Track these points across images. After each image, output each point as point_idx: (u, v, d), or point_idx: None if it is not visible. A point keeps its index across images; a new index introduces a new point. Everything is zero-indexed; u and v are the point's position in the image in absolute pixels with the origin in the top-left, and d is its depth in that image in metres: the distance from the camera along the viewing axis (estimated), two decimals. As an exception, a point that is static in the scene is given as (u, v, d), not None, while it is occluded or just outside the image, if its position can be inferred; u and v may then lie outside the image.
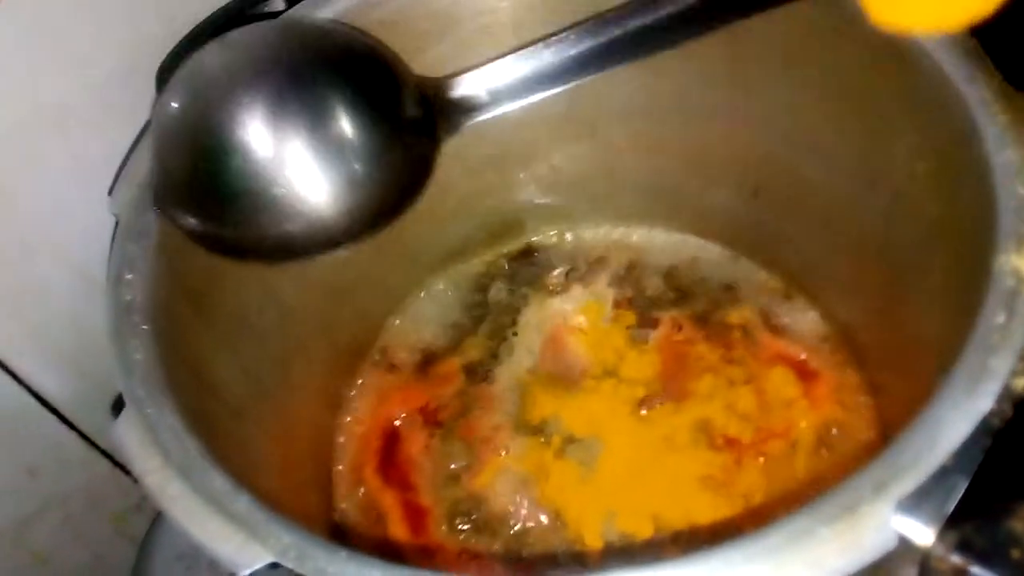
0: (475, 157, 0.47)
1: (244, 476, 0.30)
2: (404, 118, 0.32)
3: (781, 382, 0.44)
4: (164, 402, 0.27)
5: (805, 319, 0.46)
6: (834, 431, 0.41)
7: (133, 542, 0.53)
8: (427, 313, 0.49)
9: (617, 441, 0.43)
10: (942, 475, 0.23)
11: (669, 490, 0.41)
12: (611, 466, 0.42)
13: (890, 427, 0.40)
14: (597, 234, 0.51)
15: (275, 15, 0.37)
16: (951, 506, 0.23)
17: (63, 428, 0.47)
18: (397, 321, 0.48)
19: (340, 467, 0.44)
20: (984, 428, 0.24)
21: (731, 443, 0.42)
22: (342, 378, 0.46)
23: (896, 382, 0.39)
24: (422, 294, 0.50)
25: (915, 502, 0.23)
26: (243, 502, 0.24)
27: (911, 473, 0.22)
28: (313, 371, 0.43)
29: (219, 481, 0.25)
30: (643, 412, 0.44)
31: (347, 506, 0.43)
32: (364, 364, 0.47)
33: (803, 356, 0.45)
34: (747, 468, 0.42)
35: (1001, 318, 0.24)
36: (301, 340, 0.42)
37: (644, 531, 0.40)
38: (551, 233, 0.51)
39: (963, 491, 0.23)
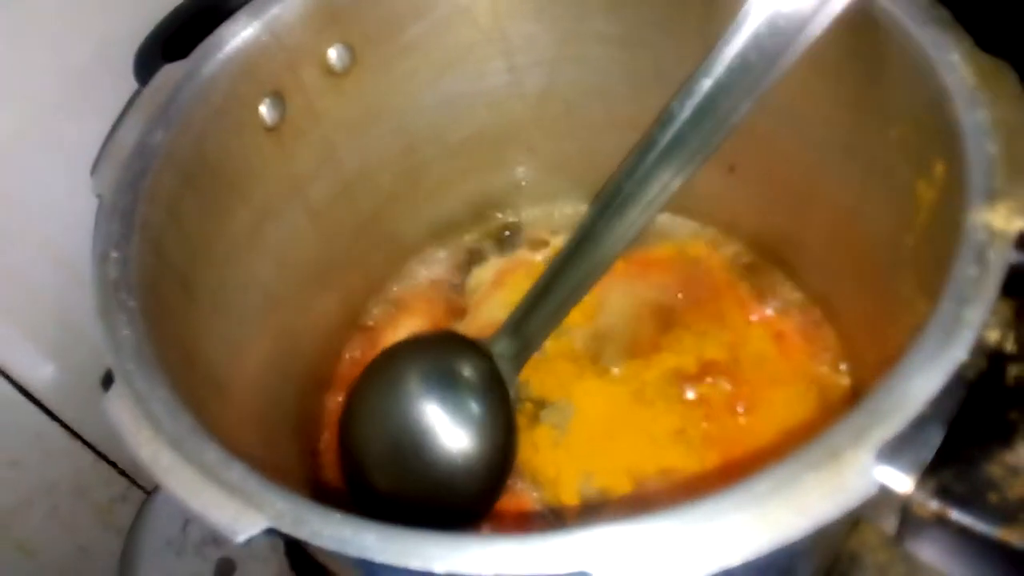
0: (453, 138, 0.48)
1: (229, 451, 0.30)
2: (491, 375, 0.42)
3: (755, 339, 0.44)
4: (154, 376, 0.27)
5: (782, 288, 0.47)
6: (808, 392, 0.42)
7: (119, 532, 0.53)
8: (409, 293, 0.49)
9: (588, 402, 0.44)
10: (920, 424, 0.24)
11: (643, 446, 0.42)
12: (584, 427, 0.43)
13: (865, 390, 0.41)
14: (578, 211, 0.51)
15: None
16: (929, 454, 0.23)
17: (46, 419, 0.47)
18: (378, 303, 0.48)
19: (324, 443, 0.44)
20: (959, 379, 0.24)
21: (703, 399, 0.43)
22: (326, 357, 0.46)
23: (871, 346, 0.40)
24: (404, 275, 0.50)
25: (894, 450, 0.23)
26: (237, 471, 0.25)
27: (889, 420, 0.23)
28: (297, 351, 0.43)
29: (212, 452, 0.25)
30: (614, 371, 0.44)
31: (332, 479, 0.43)
32: (348, 343, 0.47)
33: (777, 319, 0.45)
34: (720, 421, 0.42)
35: (974, 271, 0.25)
36: (284, 320, 0.42)
37: (622, 487, 0.41)
38: (532, 211, 0.52)
39: (940, 440, 0.24)
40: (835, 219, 0.42)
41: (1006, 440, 0.24)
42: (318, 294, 0.44)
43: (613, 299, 0.46)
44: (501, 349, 0.43)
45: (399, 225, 0.49)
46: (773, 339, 0.45)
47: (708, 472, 0.41)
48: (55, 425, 0.48)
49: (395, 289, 0.49)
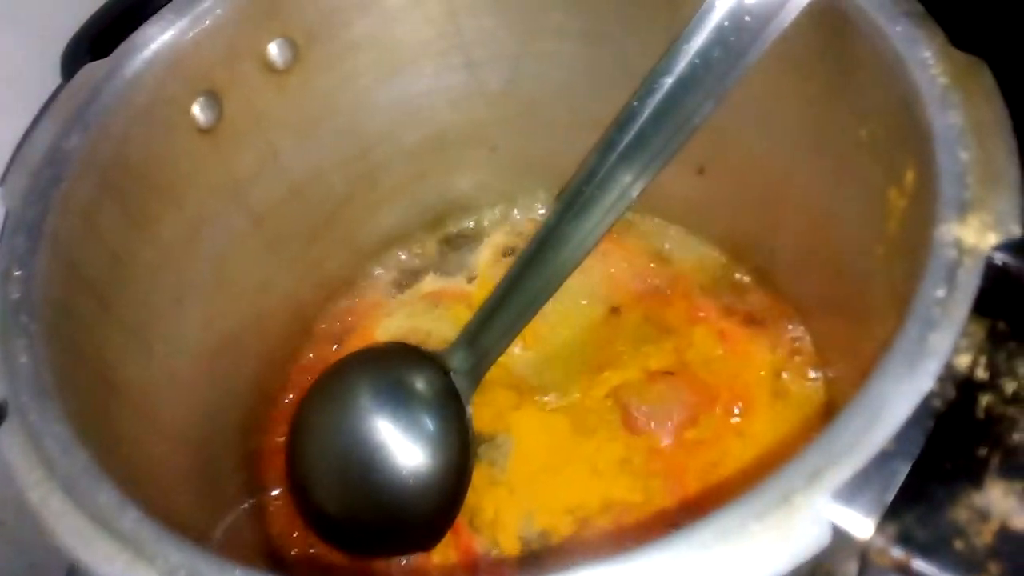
0: (411, 139, 0.45)
1: (147, 480, 0.28)
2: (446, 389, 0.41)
3: (705, 346, 0.42)
4: (51, 408, 0.25)
5: (755, 295, 0.44)
6: (777, 408, 0.40)
7: (67, 549, 0.50)
8: (365, 301, 0.47)
9: (528, 434, 0.41)
10: (881, 461, 0.22)
11: (586, 479, 0.39)
12: (524, 462, 0.41)
13: (837, 407, 0.39)
14: (542, 212, 0.49)
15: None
16: (891, 495, 0.21)
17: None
18: (332, 311, 0.46)
19: (271, 465, 0.42)
20: (926, 410, 0.22)
21: (645, 420, 0.41)
22: (274, 371, 0.44)
23: (845, 358, 0.38)
24: (360, 281, 0.47)
25: (853, 491, 0.21)
26: (130, 518, 0.22)
27: (848, 459, 0.21)
28: (240, 365, 0.41)
29: (106, 495, 0.23)
30: (553, 398, 0.42)
31: (277, 503, 0.41)
32: (298, 354, 0.45)
33: (739, 327, 0.43)
34: (669, 446, 0.40)
35: (941, 292, 0.23)
36: (225, 333, 0.40)
37: (564, 527, 0.38)
38: (493, 212, 0.49)
39: (904, 478, 0.22)
40: (807, 223, 0.40)
41: (975, 480, 0.22)
42: (264, 303, 0.42)
43: (557, 315, 0.43)
44: (457, 362, 0.41)
45: (355, 229, 0.46)
46: (727, 346, 0.42)
47: (654, 504, 0.38)
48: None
49: (351, 296, 0.47)
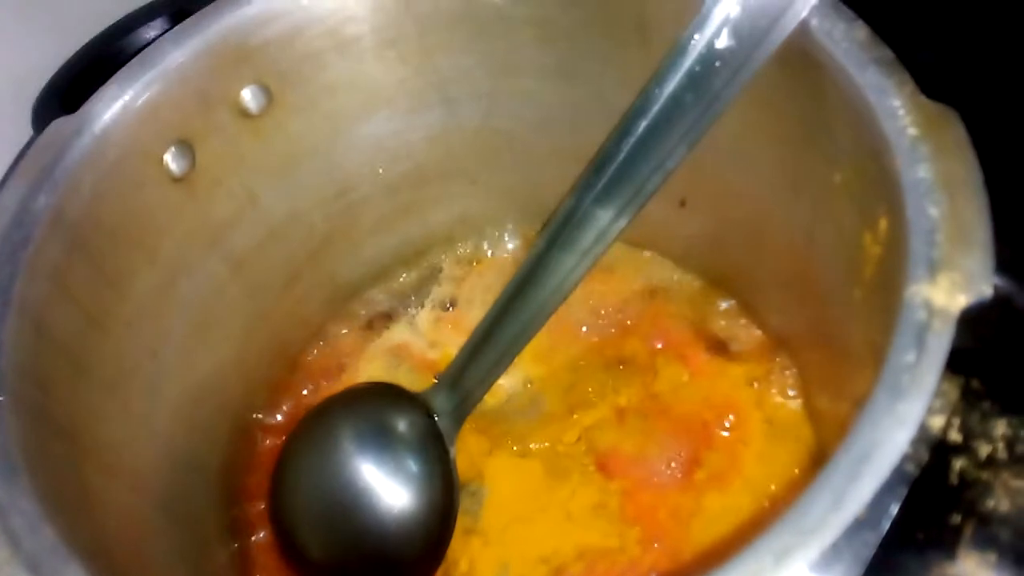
0: (390, 176, 0.45)
1: (121, 547, 0.28)
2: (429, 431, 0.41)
3: (679, 381, 0.42)
4: (18, 482, 0.25)
5: (746, 333, 0.44)
6: (759, 449, 0.39)
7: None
8: (347, 339, 0.47)
9: (501, 481, 0.41)
10: (853, 531, 0.21)
11: (560, 526, 0.39)
12: (498, 510, 0.40)
13: (826, 447, 0.39)
14: (524, 243, 0.49)
15: (150, 43, 0.34)
16: (863, 565, 0.21)
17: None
18: (308, 357, 0.46)
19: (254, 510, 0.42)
20: (898, 477, 0.22)
21: (619, 462, 0.41)
22: (255, 412, 0.43)
23: (830, 399, 0.38)
24: (342, 320, 0.47)
25: (826, 563, 0.21)
26: (96, 599, 0.22)
27: (817, 536, 0.21)
28: (222, 410, 0.40)
29: (72, 574, 0.23)
30: (527, 443, 0.42)
31: (260, 549, 0.41)
32: (279, 397, 0.45)
33: (718, 360, 0.43)
34: (643, 488, 0.40)
35: (911, 356, 0.23)
36: (207, 380, 0.39)
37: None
38: (475, 245, 0.49)
39: (876, 547, 0.21)
40: (787, 259, 0.39)
41: (948, 550, 0.22)
42: (244, 348, 0.42)
43: (528, 354, 0.42)
44: (439, 403, 0.41)
45: (336, 268, 0.46)
46: (703, 379, 0.42)
47: (629, 551, 0.38)
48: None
49: (332, 335, 0.47)
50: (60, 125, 0.33)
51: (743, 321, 0.45)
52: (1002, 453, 0.23)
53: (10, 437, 0.26)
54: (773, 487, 0.38)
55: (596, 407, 0.42)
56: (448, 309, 0.48)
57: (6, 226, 0.30)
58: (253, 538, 0.41)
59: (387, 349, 0.47)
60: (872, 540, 0.21)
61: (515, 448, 0.42)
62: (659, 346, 0.44)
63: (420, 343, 0.47)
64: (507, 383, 0.44)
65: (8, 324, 0.28)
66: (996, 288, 0.25)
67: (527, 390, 0.44)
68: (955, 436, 0.23)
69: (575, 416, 0.42)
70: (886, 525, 0.22)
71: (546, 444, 0.42)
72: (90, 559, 0.24)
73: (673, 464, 0.40)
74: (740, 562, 0.20)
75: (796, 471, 0.38)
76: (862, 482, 0.21)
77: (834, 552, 0.21)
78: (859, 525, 0.22)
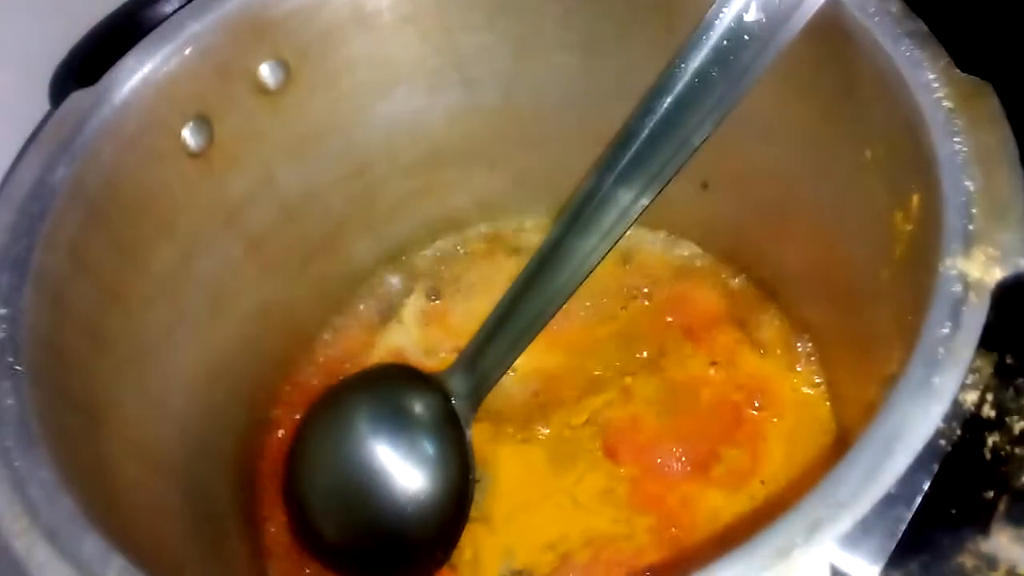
0: (408, 156, 0.45)
1: (137, 522, 0.27)
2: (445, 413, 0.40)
3: (698, 368, 0.42)
4: (37, 453, 0.25)
5: (768, 317, 0.43)
6: (786, 431, 0.39)
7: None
8: (362, 320, 0.46)
9: (507, 468, 0.40)
10: (886, 506, 0.21)
11: (567, 513, 0.39)
12: (504, 497, 0.40)
13: (848, 433, 0.38)
14: (542, 226, 0.48)
15: (165, 18, 0.34)
16: (895, 541, 0.21)
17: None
18: (322, 338, 0.45)
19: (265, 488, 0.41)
20: (931, 452, 0.22)
21: (631, 446, 0.40)
22: (270, 393, 0.43)
23: (854, 383, 0.37)
24: (357, 302, 0.47)
25: (857, 537, 0.21)
26: (115, 567, 0.22)
27: (848, 510, 0.20)
28: (237, 390, 0.40)
29: (91, 544, 0.23)
30: (534, 429, 0.41)
31: (274, 529, 0.40)
32: (294, 378, 0.44)
33: (737, 345, 0.42)
34: (652, 475, 0.39)
35: (946, 329, 0.22)
36: (223, 359, 0.39)
37: (545, 565, 0.38)
38: (493, 227, 0.49)
39: (908, 524, 0.21)
40: (813, 241, 0.39)
41: (981, 525, 0.21)
42: (260, 327, 0.41)
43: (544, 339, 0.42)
44: (456, 385, 0.40)
45: (352, 249, 0.46)
46: (725, 363, 0.42)
47: (638, 537, 0.38)
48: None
49: (348, 316, 0.46)
50: (79, 98, 0.33)
51: (766, 305, 0.44)
52: (1037, 429, 0.22)
53: (29, 408, 0.26)
54: (796, 472, 0.37)
55: (606, 390, 0.42)
56: (465, 292, 0.47)
57: (24, 197, 0.30)
58: (266, 518, 0.41)
59: (402, 331, 0.46)
60: (904, 516, 0.21)
61: (520, 435, 0.41)
62: (679, 330, 0.44)
63: (437, 327, 0.47)
64: (515, 366, 0.43)
65: (26, 295, 0.28)
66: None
67: (534, 374, 0.43)
68: (988, 412, 0.22)
69: (585, 400, 0.42)
70: (918, 500, 0.21)
71: (552, 430, 0.41)
72: (107, 531, 0.24)
73: (690, 449, 0.40)
74: (771, 534, 0.20)
75: (819, 457, 0.38)
76: (895, 456, 0.21)
77: (865, 528, 0.21)
78: (891, 501, 0.21)
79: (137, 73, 0.33)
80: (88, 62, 0.36)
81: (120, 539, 0.24)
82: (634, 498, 0.39)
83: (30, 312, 0.28)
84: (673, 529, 0.37)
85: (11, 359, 0.27)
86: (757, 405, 0.40)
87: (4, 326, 0.27)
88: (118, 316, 0.32)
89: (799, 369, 0.41)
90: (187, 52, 0.34)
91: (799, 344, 0.42)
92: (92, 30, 0.37)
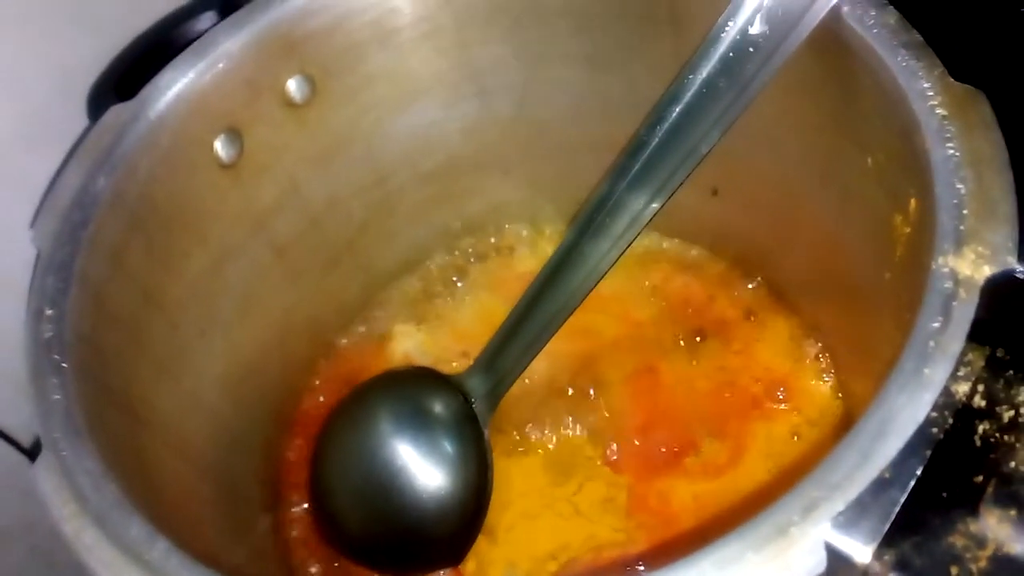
0: (426, 165, 0.46)
1: (174, 510, 0.29)
2: (464, 413, 0.41)
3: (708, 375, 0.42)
4: (83, 444, 0.26)
5: (775, 318, 0.45)
6: (795, 437, 0.40)
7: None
8: (383, 324, 0.48)
9: (507, 479, 0.41)
10: (880, 490, 0.22)
11: (568, 523, 0.39)
12: (505, 508, 0.41)
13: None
14: (557, 232, 0.50)
15: (199, 36, 0.36)
16: (888, 522, 0.22)
17: (17, 456, 0.46)
18: (344, 340, 0.47)
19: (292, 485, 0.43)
20: (923, 439, 0.23)
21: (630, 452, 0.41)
22: (295, 395, 0.45)
23: (861, 381, 0.39)
24: (379, 304, 0.48)
25: (851, 518, 0.22)
26: (159, 549, 0.24)
27: (843, 491, 0.21)
28: (265, 390, 0.42)
29: (136, 528, 0.24)
30: (532, 438, 0.42)
31: (297, 519, 0.42)
32: (319, 379, 0.46)
33: (746, 346, 0.44)
34: (653, 479, 0.40)
35: (937, 323, 0.24)
36: (248, 362, 0.41)
37: (547, 574, 0.39)
38: (508, 234, 0.50)
39: (901, 506, 0.22)
40: (819, 245, 0.40)
41: (971, 507, 0.22)
42: (286, 330, 0.43)
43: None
44: (474, 386, 0.42)
45: (373, 255, 0.48)
46: (734, 364, 0.43)
47: (640, 544, 0.39)
48: (27, 462, 0.47)
49: (370, 319, 0.48)
50: (117, 111, 0.34)
51: (776, 307, 0.45)
52: (1025, 418, 0.23)
53: (74, 403, 0.27)
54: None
55: (611, 394, 0.43)
56: (481, 296, 0.49)
57: (68, 206, 0.32)
58: (292, 512, 0.42)
59: (419, 334, 0.48)
60: (898, 499, 0.22)
61: (518, 442, 0.42)
62: (690, 333, 0.45)
63: (454, 330, 0.48)
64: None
65: (71, 297, 0.30)
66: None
67: (539, 381, 0.44)
68: (979, 402, 0.24)
69: (588, 406, 0.43)
70: (911, 485, 0.22)
71: (551, 435, 0.42)
72: (149, 517, 0.25)
73: (695, 446, 0.41)
74: (769, 515, 0.21)
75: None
76: (888, 440, 0.22)
77: (861, 509, 0.22)
78: (886, 485, 0.22)
79: (172, 88, 0.35)
80: (125, 77, 0.38)
81: (160, 525, 0.25)
82: (635, 505, 0.40)
83: (74, 313, 0.30)
84: (678, 534, 0.38)
85: (57, 356, 0.28)
86: (780, 397, 0.41)
87: (51, 326, 0.29)
88: (155, 317, 0.34)
89: (811, 369, 0.42)
90: (219, 68, 0.36)
91: (809, 346, 0.43)
92: (129, 47, 0.39)
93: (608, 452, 0.42)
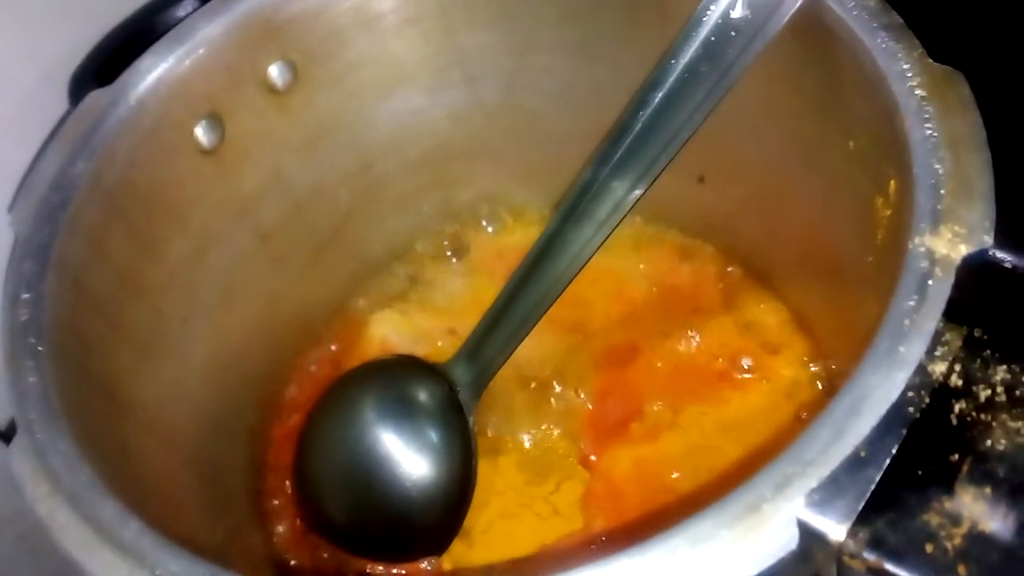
0: (413, 152, 0.46)
1: (153, 494, 0.29)
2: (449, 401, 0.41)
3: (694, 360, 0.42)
4: (57, 427, 0.26)
5: (763, 307, 0.45)
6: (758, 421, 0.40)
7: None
8: (369, 312, 0.48)
9: (481, 480, 0.41)
10: (855, 468, 0.22)
11: (546, 522, 0.39)
12: (481, 510, 0.40)
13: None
14: (542, 219, 0.49)
15: (179, 21, 0.36)
16: (863, 500, 0.22)
17: (2, 448, 0.46)
18: (329, 327, 0.47)
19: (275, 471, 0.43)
20: (899, 418, 0.23)
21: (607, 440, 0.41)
22: (281, 381, 0.45)
23: (847, 367, 0.38)
24: (365, 292, 0.48)
25: (826, 497, 0.22)
26: (132, 529, 0.24)
27: (816, 467, 0.21)
28: (248, 377, 0.42)
29: (109, 508, 0.24)
30: (507, 436, 0.42)
31: (281, 507, 0.42)
32: (304, 366, 0.46)
33: (732, 335, 0.44)
34: (630, 472, 0.40)
35: (912, 302, 0.23)
36: (235, 347, 0.41)
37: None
38: (496, 221, 0.50)
39: (876, 484, 0.22)
40: (804, 231, 0.40)
41: (946, 485, 0.22)
42: (271, 317, 0.43)
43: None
44: (459, 375, 0.41)
45: (360, 242, 0.47)
46: (714, 345, 0.43)
47: (619, 535, 0.38)
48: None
49: (355, 307, 0.48)
50: (97, 96, 0.34)
51: (763, 293, 0.45)
52: (1001, 396, 0.23)
53: (50, 385, 0.27)
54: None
55: (590, 389, 0.43)
56: (469, 283, 0.49)
57: (46, 189, 0.32)
58: (275, 501, 0.42)
59: (407, 323, 0.48)
60: (873, 477, 0.22)
61: (493, 442, 0.42)
62: (678, 318, 0.45)
63: (440, 317, 0.48)
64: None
65: (47, 280, 0.30)
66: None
67: (514, 376, 0.44)
68: (956, 381, 0.23)
69: (562, 404, 0.43)
70: (887, 463, 0.22)
71: (525, 435, 0.42)
72: (124, 498, 0.25)
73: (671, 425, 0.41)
74: (742, 491, 0.21)
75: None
76: (862, 417, 0.22)
77: (836, 488, 0.22)
78: (861, 463, 0.22)
79: (152, 73, 0.35)
80: (106, 63, 0.38)
81: (138, 507, 0.25)
82: (611, 501, 0.39)
83: (51, 296, 0.30)
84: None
85: (33, 340, 0.28)
86: (765, 382, 0.41)
87: (27, 309, 0.29)
88: (135, 304, 0.34)
89: (797, 354, 0.42)
90: (199, 54, 0.36)
91: (794, 331, 0.43)
92: (109, 33, 0.39)
93: (583, 447, 0.41)
